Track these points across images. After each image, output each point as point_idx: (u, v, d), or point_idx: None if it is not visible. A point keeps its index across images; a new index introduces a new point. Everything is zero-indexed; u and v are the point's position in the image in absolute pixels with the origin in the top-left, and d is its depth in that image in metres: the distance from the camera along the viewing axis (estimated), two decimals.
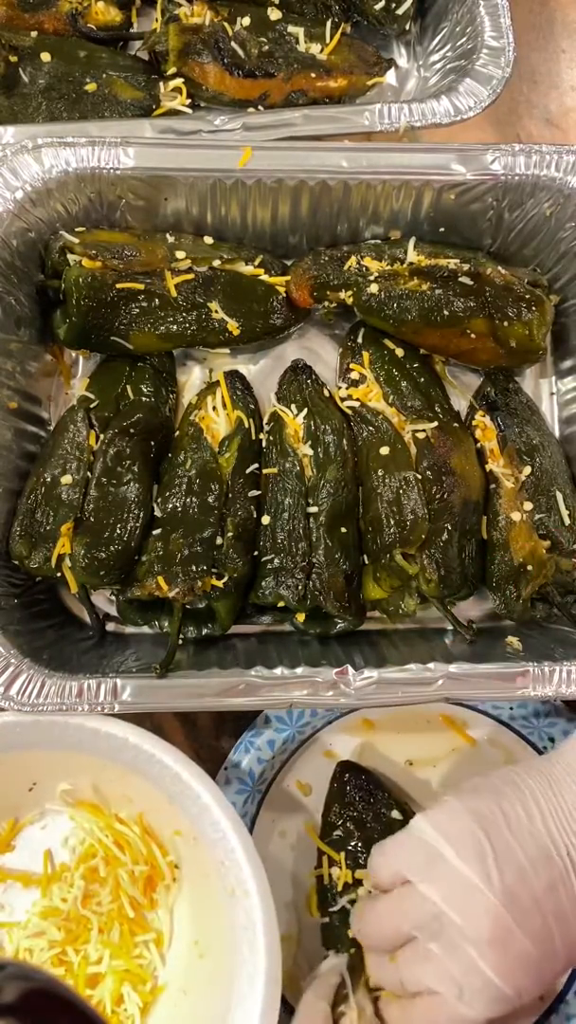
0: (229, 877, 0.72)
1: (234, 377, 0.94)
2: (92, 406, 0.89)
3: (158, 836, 0.82)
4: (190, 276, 0.89)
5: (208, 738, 0.91)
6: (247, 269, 0.93)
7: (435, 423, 0.89)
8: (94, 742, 0.75)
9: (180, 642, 0.84)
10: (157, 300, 0.89)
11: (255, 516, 0.88)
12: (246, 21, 0.98)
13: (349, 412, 0.93)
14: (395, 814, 0.82)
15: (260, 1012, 0.68)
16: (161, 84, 0.98)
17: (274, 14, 0.99)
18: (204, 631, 0.87)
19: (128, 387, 0.91)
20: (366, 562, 0.89)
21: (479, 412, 0.94)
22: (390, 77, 1.05)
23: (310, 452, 0.89)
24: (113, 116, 0.97)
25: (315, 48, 0.99)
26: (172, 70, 0.97)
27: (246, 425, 0.90)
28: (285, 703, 0.80)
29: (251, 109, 0.97)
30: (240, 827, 0.72)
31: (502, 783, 0.70)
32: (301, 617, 0.87)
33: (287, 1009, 0.81)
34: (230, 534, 0.86)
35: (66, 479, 0.85)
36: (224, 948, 0.73)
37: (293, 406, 0.92)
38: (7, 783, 0.82)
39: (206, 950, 0.78)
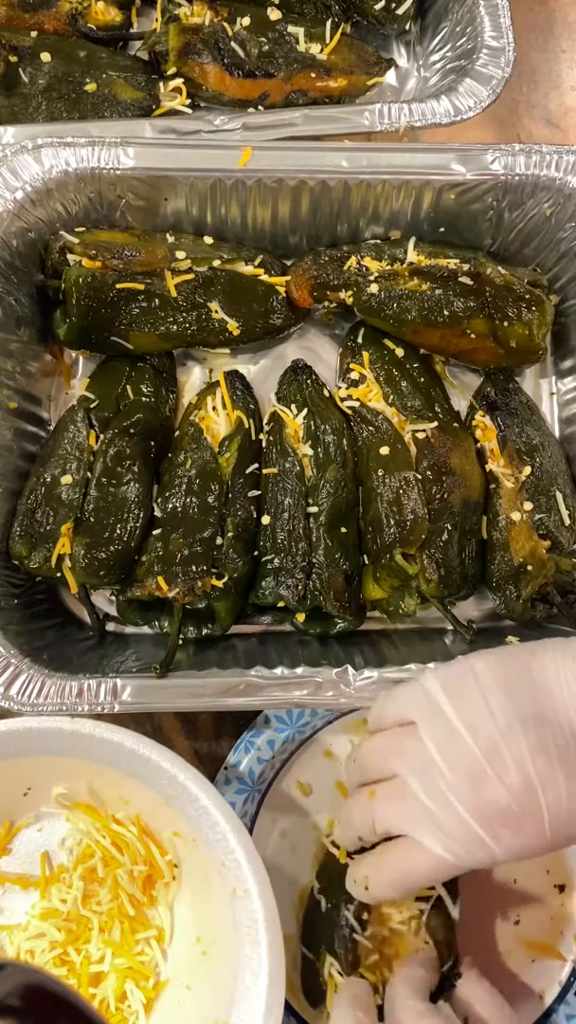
0: (229, 877, 0.72)
1: (234, 377, 0.94)
2: (92, 406, 0.89)
3: (156, 837, 0.82)
4: (190, 276, 0.89)
5: (208, 738, 0.91)
6: (247, 269, 0.93)
7: (435, 423, 0.89)
8: (90, 748, 0.75)
9: (180, 642, 0.84)
10: (157, 300, 0.89)
11: (255, 516, 0.88)
12: (246, 21, 0.98)
13: (349, 412, 0.93)
14: None
15: (264, 1010, 0.68)
16: (161, 84, 0.98)
17: (274, 14, 0.99)
18: (204, 631, 0.87)
19: (128, 387, 0.91)
20: (366, 562, 0.89)
21: (479, 412, 0.94)
22: (390, 77, 1.05)
23: (310, 452, 0.89)
24: (113, 116, 0.97)
25: (315, 48, 0.99)
26: (172, 70, 0.97)
27: (246, 425, 0.90)
28: (285, 703, 0.80)
29: (251, 109, 0.97)
30: (240, 828, 0.72)
31: (517, 648, 0.70)
32: (301, 617, 0.87)
33: (288, 1010, 0.81)
34: (230, 534, 0.86)
35: (66, 479, 0.85)
36: (226, 946, 0.73)
37: (293, 406, 0.92)
38: (1, 789, 0.82)
39: (208, 947, 0.79)
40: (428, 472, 0.87)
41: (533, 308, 0.90)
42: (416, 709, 0.69)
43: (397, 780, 0.69)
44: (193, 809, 0.73)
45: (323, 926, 0.79)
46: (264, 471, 0.90)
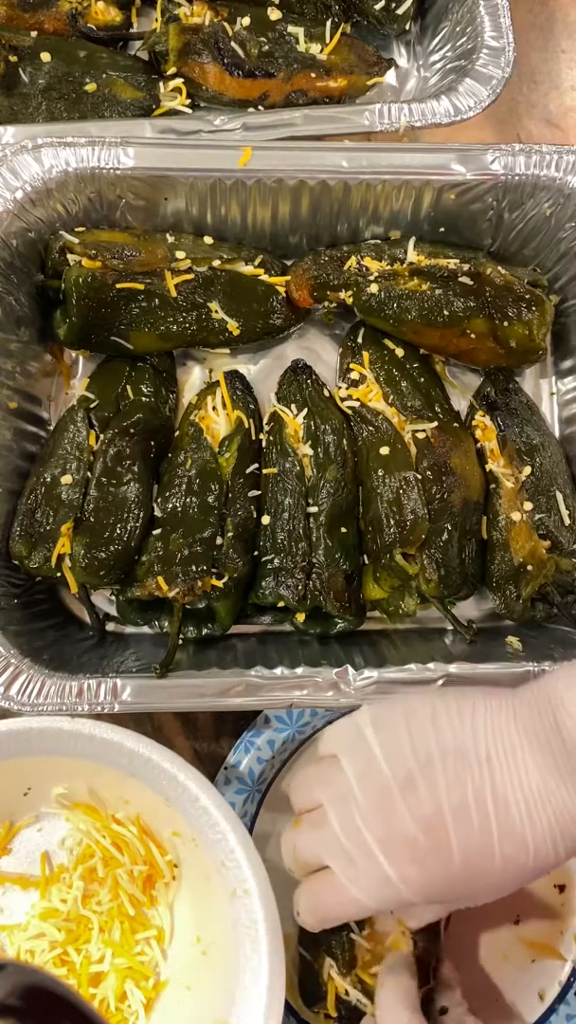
0: (229, 877, 0.72)
1: (234, 377, 0.94)
2: (92, 406, 0.89)
3: (156, 837, 0.82)
4: (190, 276, 0.89)
5: (208, 738, 0.91)
6: (247, 269, 0.93)
7: (435, 423, 0.89)
8: (90, 748, 0.75)
9: (180, 642, 0.84)
10: (157, 300, 0.89)
11: (255, 516, 0.88)
12: (246, 21, 0.98)
13: (349, 412, 0.93)
14: None
15: (264, 1011, 0.68)
16: (161, 84, 0.98)
17: (274, 14, 0.99)
18: (204, 631, 0.87)
19: (128, 387, 0.91)
20: (366, 562, 0.89)
21: (479, 412, 0.94)
22: (390, 77, 1.05)
23: (310, 452, 0.89)
24: (113, 116, 0.97)
25: (315, 48, 0.99)
26: (172, 70, 0.97)
27: (246, 425, 0.90)
28: (285, 703, 0.80)
29: (251, 109, 0.97)
30: (240, 828, 0.72)
31: (452, 689, 0.70)
32: (301, 617, 0.87)
33: (288, 1010, 0.81)
34: (230, 534, 0.86)
35: (66, 479, 0.85)
36: (226, 946, 0.73)
37: (293, 406, 0.92)
38: (1, 789, 0.81)
39: (208, 947, 0.79)
40: (428, 472, 0.87)
41: (533, 308, 0.90)
42: (344, 741, 0.68)
43: (319, 810, 0.68)
44: (193, 809, 0.73)
45: None
46: (264, 471, 0.90)
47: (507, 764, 0.63)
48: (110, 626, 0.90)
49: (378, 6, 1.02)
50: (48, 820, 0.85)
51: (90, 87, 0.97)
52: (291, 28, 0.99)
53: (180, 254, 0.90)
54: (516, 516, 0.88)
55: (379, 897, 0.65)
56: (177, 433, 0.93)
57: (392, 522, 0.86)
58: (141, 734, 0.74)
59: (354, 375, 0.93)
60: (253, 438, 0.91)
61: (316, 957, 0.79)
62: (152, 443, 0.89)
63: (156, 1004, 0.80)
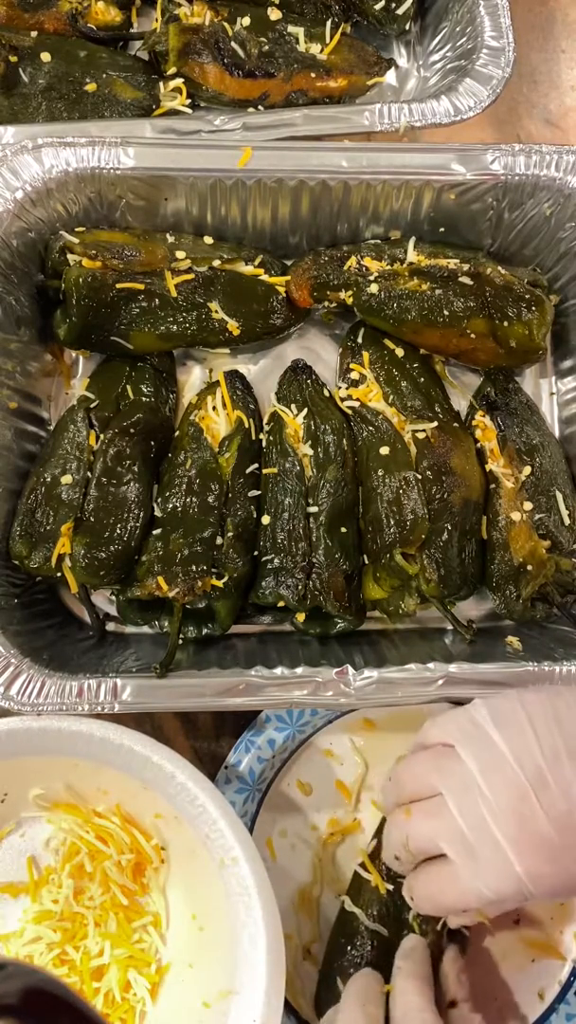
0: (216, 849, 0.72)
1: (234, 377, 0.94)
2: (92, 406, 0.89)
3: (139, 823, 0.82)
4: (190, 276, 0.89)
5: (208, 738, 0.91)
6: (247, 269, 0.93)
7: (435, 423, 0.89)
8: (59, 743, 0.75)
9: (180, 642, 0.84)
10: (157, 300, 0.89)
11: (255, 516, 0.88)
12: (246, 21, 0.98)
13: (349, 412, 0.93)
14: None
15: (266, 972, 0.69)
16: (161, 84, 0.98)
17: (274, 14, 0.99)
18: (204, 631, 0.87)
19: (128, 387, 0.91)
20: (366, 562, 0.89)
21: (479, 412, 0.94)
22: (390, 77, 1.05)
23: (310, 452, 0.89)
24: (113, 116, 0.97)
25: (315, 48, 0.99)
26: (172, 70, 0.97)
27: (246, 425, 0.90)
28: (285, 703, 0.80)
29: (251, 109, 0.97)
30: (219, 799, 0.73)
31: (566, 686, 0.71)
32: (301, 617, 0.87)
33: (288, 1010, 0.81)
34: (230, 534, 0.86)
35: (66, 479, 0.85)
36: (222, 917, 0.73)
37: (293, 406, 0.92)
38: None
39: (205, 923, 0.79)
40: (428, 472, 0.87)
41: (533, 308, 0.90)
42: (461, 732, 0.69)
43: (436, 799, 0.68)
44: (171, 787, 0.74)
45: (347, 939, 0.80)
46: (264, 471, 0.90)
47: None
48: (110, 626, 0.90)
49: (378, 6, 1.02)
50: (29, 824, 0.85)
51: (90, 87, 0.97)
52: (291, 28, 0.99)
53: (180, 254, 0.90)
54: (516, 516, 0.88)
55: (502, 891, 0.65)
56: (177, 433, 0.93)
57: (392, 522, 0.86)
58: (107, 721, 0.75)
59: (354, 375, 0.93)
60: (253, 438, 0.91)
61: (345, 973, 0.79)
62: (152, 443, 0.90)
63: (161, 987, 0.80)
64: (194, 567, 0.83)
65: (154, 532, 0.86)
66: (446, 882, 0.68)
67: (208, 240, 0.93)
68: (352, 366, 0.94)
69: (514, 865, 0.64)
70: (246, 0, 1.01)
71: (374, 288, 0.90)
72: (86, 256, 0.88)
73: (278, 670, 0.80)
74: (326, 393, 0.94)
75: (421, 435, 0.89)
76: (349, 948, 0.80)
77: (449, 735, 0.70)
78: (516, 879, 0.64)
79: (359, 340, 0.95)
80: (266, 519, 0.88)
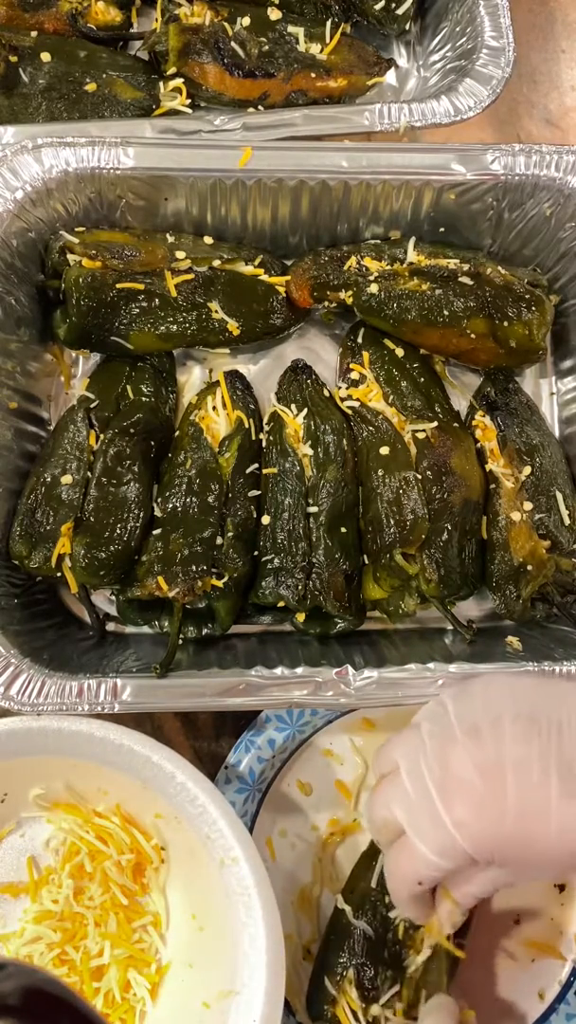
0: (216, 848, 0.72)
1: (234, 377, 0.94)
2: (92, 406, 0.89)
3: (139, 823, 0.83)
4: (190, 276, 0.89)
5: (208, 738, 0.91)
6: (247, 269, 0.93)
7: (435, 423, 0.89)
8: (59, 743, 0.75)
9: (180, 642, 0.84)
10: (157, 300, 0.89)
11: (255, 516, 0.88)
12: (246, 21, 0.98)
13: (349, 412, 0.93)
14: None
15: (266, 970, 0.69)
16: (161, 84, 0.98)
17: (274, 14, 0.99)
18: (204, 631, 0.87)
19: (128, 387, 0.91)
20: (366, 562, 0.89)
21: (479, 412, 0.94)
22: (390, 77, 1.05)
23: (310, 452, 0.89)
24: (113, 116, 0.97)
25: (315, 48, 0.99)
26: (172, 70, 0.97)
27: (246, 425, 0.90)
28: (285, 703, 0.80)
29: (251, 109, 0.97)
30: (219, 799, 0.73)
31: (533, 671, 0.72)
32: (301, 617, 0.87)
33: (288, 1010, 0.81)
34: (230, 534, 0.86)
35: (66, 479, 0.85)
36: (222, 917, 0.73)
37: (293, 406, 0.92)
38: None
39: (205, 922, 0.79)
40: (428, 472, 0.87)
41: (533, 308, 0.90)
42: (426, 710, 0.70)
43: (396, 770, 0.70)
44: (171, 787, 0.74)
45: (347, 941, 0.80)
46: (264, 471, 0.90)
47: None
48: (110, 626, 0.90)
49: (378, 6, 1.02)
50: (29, 824, 0.85)
51: (90, 87, 0.97)
52: (291, 28, 0.99)
53: (180, 254, 0.90)
54: (516, 516, 0.88)
55: (438, 844, 0.65)
56: (177, 433, 0.93)
57: (392, 522, 0.86)
58: (107, 721, 0.75)
59: (354, 375, 0.93)
60: (253, 438, 0.91)
61: (333, 971, 0.79)
62: (152, 443, 0.90)
63: (161, 987, 0.80)
64: (194, 567, 0.83)
65: (154, 532, 0.86)
66: (402, 853, 0.68)
67: (208, 240, 0.93)
68: (352, 366, 0.94)
69: (439, 808, 0.64)
70: (246, 0, 1.01)
71: (374, 288, 0.90)
72: (86, 256, 0.88)
73: (278, 670, 0.80)
74: (326, 393, 0.94)
75: (421, 435, 0.89)
76: (338, 946, 0.80)
77: (418, 715, 0.71)
78: (444, 827, 0.64)
79: (359, 340, 0.95)
80: (266, 519, 0.88)
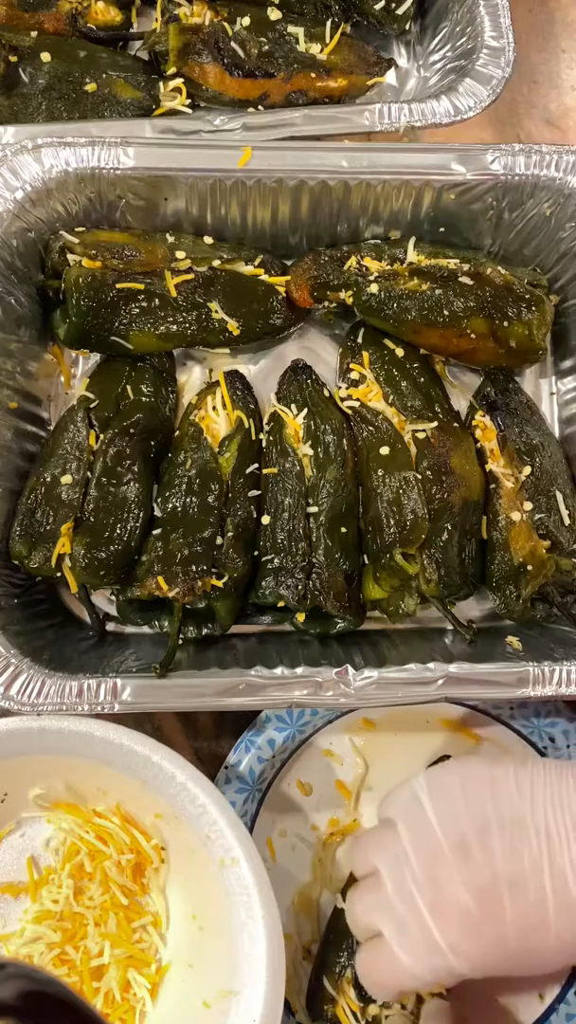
0: (216, 849, 0.72)
1: (234, 377, 0.94)
2: (92, 406, 0.89)
3: (139, 823, 0.83)
4: (190, 276, 0.89)
5: (208, 738, 0.91)
6: (247, 269, 0.93)
7: (435, 423, 0.89)
8: (59, 742, 0.75)
9: (180, 642, 0.84)
10: (157, 300, 0.89)
11: (255, 516, 0.88)
12: (246, 21, 0.98)
13: (349, 412, 0.93)
14: None
15: (266, 973, 0.69)
16: (161, 84, 0.98)
17: (274, 14, 0.99)
18: (204, 631, 0.87)
19: (128, 387, 0.91)
20: (366, 562, 0.89)
21: (479, 412, 0.94)
22: (390, 77, 1.05)
23: (310, 452, 0.89)
24: (113, 116, 0.97)
25: (315, 48, 0.99)
26: (172, 70, 0.97)
27: (246, 425, 0.90)
28: (285, 703, 0.80)
29: (251, 109, 0.97)
30: (219, 799, 0.73)
31: (511, 758, 0.69)
32: (301, 617, 0.87)
33: (288, 1010, 0.81)
34: (230, 534, 0.86)
35: (66, 479, 0.85)
36: (222, 917, 0.73)
37: (293, 406, 0.92)
38: None
39: (205, 922, 0.79)
40: (428, 472, 0.87)
41: (533, 308, 0.90)
42: (400, 805, 0.68)
43: (376, 875, 0.68)
44: (171, 788, 0.74)
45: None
46: (264, 471, 0.90)
47: (566, 837, 0.62)
48: (110, 626, 0.90)
49: (378, 6, 1.02)
50: (29, 824, 0.85)
51: (90, 87, 0.97)
52: (291, 28, 0.99)
53: (180, 254, 0.90)
54: (516, 516, 0.88)
55: (430, 966, 0.63)
56: (177, 433, 0.93)
57: (392, 522, 0.86)
58: (107, 721, 0.75)
59: (354, 375, 0.93)
60: (253, 438, 0.91)
61: (332, 971, 0.79)
62: (152, 443, 0.90)
63: (161, 987, 0.80)
64: (194, 567, 0.83)
65: (154, 532, 0.86)
66: (381, 960, 0.66)
67: (208, 240, 0.93)
68: (352, 366, 0.94)
69: (435, 934, 0.62)
70: (246, 0, 1.01)
71: (374, 288, 0.90)
72: (86, 256, 0.88)
73: (278, 670, 0.80)
74: (326, 393, 0.94)
75: (421, 435, 0.89)
76: (337, 945, 0.80)
77: (391, 809, 0.69)
78: (439, 951, 0.62)
79: (359, 340, 0.95)
80: (266, 519, 0.88)
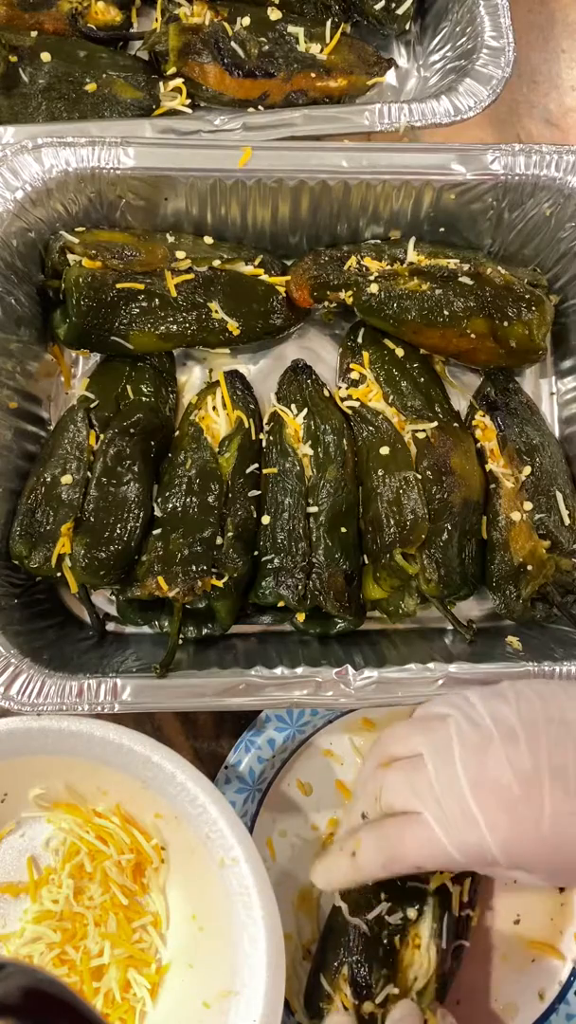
0: (216, 849, 0.72)
1: (234, 377, 0.94)
2: (92, 406, 0.89)
3: (139, 823, 0.83)
4: (190, 276, 0.89)
5: (208, 738, 0.91)
6: (247, 269, 0.93)
7: (435, 423, 0.89)
8: (59, 742, 0.75)
9: (180, 642, 0.84)
10: (157, 300, 0.89)
11: (255, 516, 0.88)
12: (246, 21, 0.98)
13: (349, 412, 0.93)
14: None
15: (266, 971, 0.69)
16: (161, 84, 0.98)
17: (274, 14, 0.99)
18: (204, 631, 0.87)
19: (128, 387, 0.91)
20: (366, 562, 0.89)
21: (479, 412, 0.94)
22: (390, 77, 1.05)
23: (310, 452, 0.89)
24: (113, 116, 0.98)
25: (315, 48, 0.99)
26: (172, 70, 0.97)
27: (246, 425, 0.90)
28: (285, 703, 0.80)
29: (251, 109, 0.97)
30: (219, 799, 0.73)
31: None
32: (301, 617, 0.87)
33: (288, 1010, 0.81)
34: (230, 534, 0.86)
35: (66, 479, 0.85)
36: (222, 917, 0.73)
37: (293, 406, 0.92)
38: None
39: (205, 922, 0.79)
40: (428, 472, 0.87)
41: (533, 308, 0.90)
42: (452, 704, 0.71)
43: (415, 757, 0.69)
44: (171, 787, 0.74)
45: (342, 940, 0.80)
46: (264, 471, 0.90)
47: None
48: (110, 626, 0.90)
49: (378, 6, 1.02)
50: (29, 824, 0.85)
51: (90, 87, 0.97)
52: (291, 28, 0.99)
53: (180, 254, 0.90)
54: (516, 516, 0.88)
55: (464, 843, 0.64)
56: (177, 433, 0.93)
57: (392, 522, 0.86)
58: (107, 721, 0.75)
59: (354, 375, 0.93)
60: (253, 438, 0.91)
61: (329, 969, 0.79)
62: (152, 443, 0.90)
63: (161, 987, 0.80)
64: (194, 567, 0.83)
65: (154, 532, 0.86)
66: (408, 833, 0.67)
67: (208, 240, 0.93)
68: (352, 366, 0.94)
69: (472, 808, 0.64)
70: (246, 0, 1.01)
71: (374, 288, 0.90)
72: (86, 256, 0.88)
73: (278, 670, 0.80)
74: (326, 393, 0.94)
75: (421, 435, 0.89)
76: (334, 944, 0.80)
77: (442, 706, 0.72)
78: (476, 827, 0.64)
79: (359, 340, 0.95)
80: (266, 519, 0.88)
